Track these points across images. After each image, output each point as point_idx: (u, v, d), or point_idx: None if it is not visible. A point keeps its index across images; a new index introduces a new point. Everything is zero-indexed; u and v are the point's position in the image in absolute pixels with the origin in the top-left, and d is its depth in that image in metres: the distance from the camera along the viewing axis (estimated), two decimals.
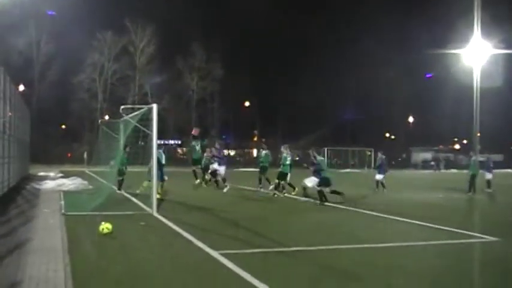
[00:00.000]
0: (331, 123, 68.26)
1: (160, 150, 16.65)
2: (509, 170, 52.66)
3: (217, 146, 23.20)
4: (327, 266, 7.94)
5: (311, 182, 17.28)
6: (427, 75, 64.22)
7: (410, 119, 75.98)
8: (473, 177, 21.94)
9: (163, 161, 17.53)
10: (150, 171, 14.66)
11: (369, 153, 60.57)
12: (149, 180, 14.92)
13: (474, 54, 39.88)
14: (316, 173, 16.94)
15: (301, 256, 8.64)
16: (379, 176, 22.51)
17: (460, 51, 41.31)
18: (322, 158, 18.33)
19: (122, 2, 58.32)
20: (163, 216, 12.68)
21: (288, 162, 19.29)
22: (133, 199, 16.69)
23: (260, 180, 20.72)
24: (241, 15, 65.27)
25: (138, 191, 17.31)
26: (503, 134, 67.56)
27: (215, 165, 22.10)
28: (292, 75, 67.83)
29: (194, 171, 22.74)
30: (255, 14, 63.74)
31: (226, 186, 20.87)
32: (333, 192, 16.81)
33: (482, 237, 10.45)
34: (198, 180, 22.34)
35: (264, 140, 76.55)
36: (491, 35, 41.18)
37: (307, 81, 65.84)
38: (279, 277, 7.12)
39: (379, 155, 23.60)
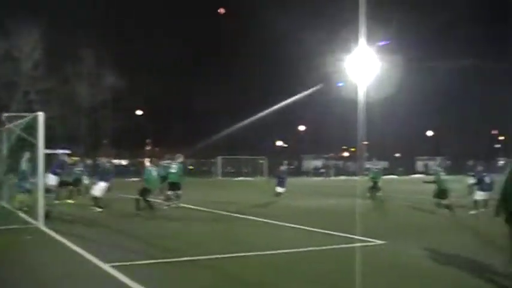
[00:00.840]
0: (226, 131, 68.47)
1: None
2: (393, 176, 55.73)
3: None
4: (223, 274, 7.95)
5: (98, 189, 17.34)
6: (338, 84, 65.90)
7: (301, 128, 78.26)
8: (374, 183, 23.19)
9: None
10: (19, 183, 14.13)
11: (262, 161, 61.56)
12: (23, 192, 14.34)
13: (358, 65, 41.88)
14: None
15: (198, 265, 8.58)
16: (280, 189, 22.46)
17: (346, 62, 43.29)
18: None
19: (5, 5, 55.06)
20: (52, 229, 12.07)
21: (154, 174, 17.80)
22: (19, 212, 15.70)
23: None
24: (133, 20, 64.08)
25: (15, 206, 16.16)
26: (388, 142, 71.42)
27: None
28: (187, 82, 67.39)
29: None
30: (150, 21, 62.86)
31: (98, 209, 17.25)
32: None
33: (371, 241, 10.89)
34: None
35: (157, 149, 75.62)
36: (375, 44, 43.32)
37: (202, 89, 65.68)
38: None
39: (282, 167, 24.18)
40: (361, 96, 43.29)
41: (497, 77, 65.15)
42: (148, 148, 74.09)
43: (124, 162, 70.36)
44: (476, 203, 16.78)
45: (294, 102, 69.42)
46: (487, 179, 17.19)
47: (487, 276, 7.89)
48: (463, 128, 75.39)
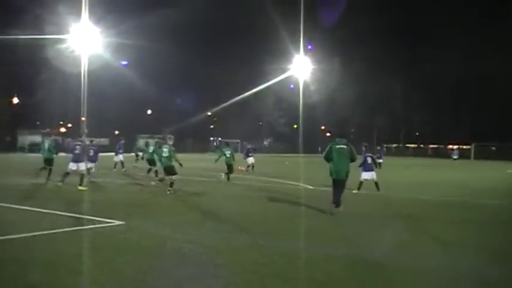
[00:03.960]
0: None
1: None
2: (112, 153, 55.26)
3: None
4: None
5: None
6: (123, 63, 61.58)
7: (15, 100, 72.45)
8: None
9: None
10: None
11: None
12: None
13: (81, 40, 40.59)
14: None
15: None
16: None
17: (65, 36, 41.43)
18: None
19: None
20: None
21: None
22: None
23: None
24: None
25: None
26: (108, 119, 70.72)
27: None
28: None
29: None
30: None
31: None
32: None
33: (111, 222, 10.70)
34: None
35: None
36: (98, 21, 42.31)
37: None
38: None
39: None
40: (84, 68, 42.07)
41: None
42: None
43: None
44: (361, 183, 17.99)
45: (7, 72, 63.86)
46: (369, 160, 18.40)
47: (241, 251, 8.46)
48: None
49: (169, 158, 17.43)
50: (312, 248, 8.74)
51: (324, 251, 8.61)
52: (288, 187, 20.85)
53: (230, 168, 22.73)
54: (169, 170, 17.35)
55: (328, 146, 13.09)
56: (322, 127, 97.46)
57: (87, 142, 21.94)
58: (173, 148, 17.62)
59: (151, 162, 21.98)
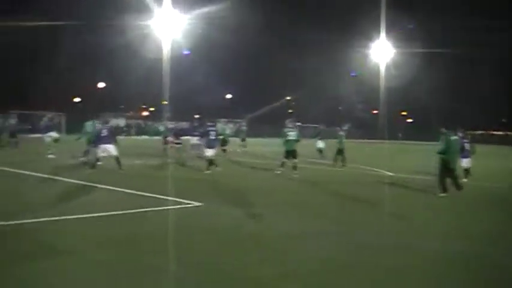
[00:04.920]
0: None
1: None
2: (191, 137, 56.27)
3: None
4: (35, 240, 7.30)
5: None
6: (185, 52, 63.47)
7: (100, 85, 75.22)
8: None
9: None
10: None
11: (61, 118, 58.11)
12: None
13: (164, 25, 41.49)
14: None
15: (9, 231, 7.85)
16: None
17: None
18: None
19: None
20: None
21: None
22: None
23: None
24: None
25: None
26: (187, 103, 71.98)
27: None
28: None
29: None
30: None
31: None
32: None
33: (190, 203, 10.87)
34: None
35: None
36: None
37: None
38: None
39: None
40: (165, 54, 43.03)
41: None
42: None
43: None
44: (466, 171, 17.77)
45: (93, 57, 66.40)
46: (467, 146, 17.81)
47: (313, 237, 8.35)
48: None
49: (295, 141, 17.79)
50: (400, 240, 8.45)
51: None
52: (371, 174, 20.33)
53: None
54: (294, 154, 17.72)
55: (445, 138, 13.61)
56: (404, 113, 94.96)
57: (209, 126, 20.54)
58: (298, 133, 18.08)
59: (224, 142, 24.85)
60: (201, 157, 19.71)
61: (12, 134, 28.89)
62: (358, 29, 61.82)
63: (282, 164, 18.07)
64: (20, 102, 52.69)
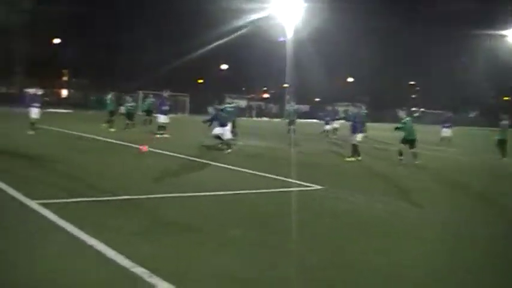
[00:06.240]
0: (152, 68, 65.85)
1: None
2: (314, 120, 56.26)
3: None
4: (160, 215, 7.65)
5: None
6: (280, 39, 64.45)
7: (224, 66, 77.18)
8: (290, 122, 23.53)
9: None
10: None
11: (184, 98, 60.73)
12: None
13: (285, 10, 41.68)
14: None
15: (131, 205, 8.21)
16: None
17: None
18: None
19: None
20: None
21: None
22: None
23: None
24: None
25: None
26: (309, 86, 71.85)
27: None
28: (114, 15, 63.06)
29: None
30: None
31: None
32: None
33: (311, 186, 10.91)
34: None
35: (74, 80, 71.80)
36: None
37: (126, 23, 62.16)
38: (108, 229, 6.52)
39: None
40: (288, 38, 43.30)
41: None
42: (65, 78, 70.80)
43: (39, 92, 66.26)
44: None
45: (217, 40, 68.19)
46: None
47: (428, 225, 8.13)
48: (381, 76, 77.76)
49: (412, 130, 16.73)
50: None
51: None
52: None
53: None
54: (413, 143, 16.77)
55: None
56: None
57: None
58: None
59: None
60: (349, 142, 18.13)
61: (148, 112, 30.62)
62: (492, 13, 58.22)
63: (400, 153, 16.94)
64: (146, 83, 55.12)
